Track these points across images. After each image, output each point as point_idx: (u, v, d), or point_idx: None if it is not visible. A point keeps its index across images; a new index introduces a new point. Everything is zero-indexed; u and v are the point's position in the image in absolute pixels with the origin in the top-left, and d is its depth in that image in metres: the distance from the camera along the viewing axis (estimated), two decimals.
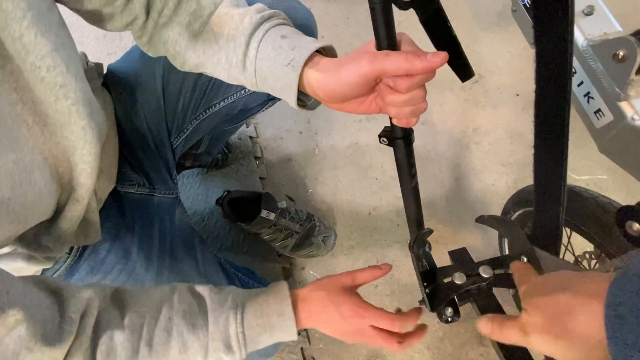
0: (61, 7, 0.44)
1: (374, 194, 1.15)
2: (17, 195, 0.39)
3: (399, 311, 0.55)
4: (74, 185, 0.48)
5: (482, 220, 0.64)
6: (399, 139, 0.47)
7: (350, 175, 1.18)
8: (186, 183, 1.14)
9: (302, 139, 1.23)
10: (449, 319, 0.56)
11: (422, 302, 0.59)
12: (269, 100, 0.76)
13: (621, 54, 0.63)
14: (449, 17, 0.38)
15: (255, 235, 1.05)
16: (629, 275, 0.27)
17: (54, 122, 0.43)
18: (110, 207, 0.63)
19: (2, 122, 0.37)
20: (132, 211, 0.65)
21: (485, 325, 0.42)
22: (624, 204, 0.53)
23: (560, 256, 0.58)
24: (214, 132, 0.94)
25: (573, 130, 0.42)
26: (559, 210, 0.50)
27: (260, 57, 0.45)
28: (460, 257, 0.62)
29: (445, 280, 0.57)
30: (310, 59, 0.44)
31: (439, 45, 0.41)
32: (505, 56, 1.34)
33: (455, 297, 0.57)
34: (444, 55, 0.37)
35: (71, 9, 0.47)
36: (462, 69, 0.42)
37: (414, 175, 0.52)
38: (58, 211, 0.49)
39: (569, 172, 0.46)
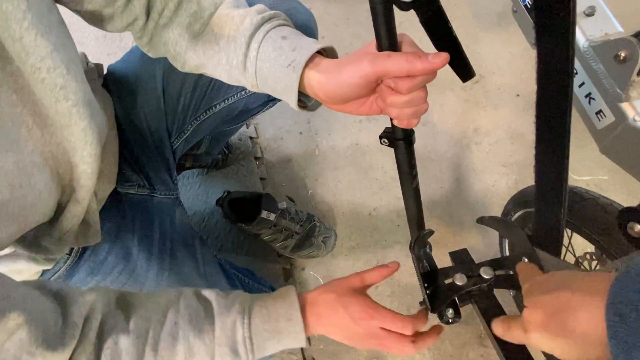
0: (61, 8, 0.44)
1: (374, 195, 1.15)
2: (17, 197, 0.39)
3: None
4: (75, 186, 0.48)
5: (483, 221, 0.64)
6: (399, 140, 0.47)
7: (351, 175, 1.18)
8: (186, 184, 1.14)
9: (303, 139, 1.23)
10: (450, 320, 0.56)
11: (422, 303, 0.59)
12: (270, 101, 0.76)
13: (622, 54, 0.63)
14: (449, 18, 0.38)
15: (255, 235, 1.05)
16: (631, 275, 0.27)
17: (54, 123, 0.43)
18: (110, 208, 0.63)
19: (2, 123, 0.37)
20: (132, 212, 0.65)
21: (497, 327, 0.43)
22: (624, 204, 0.53)
23: (561, 257, 0.58)
24: (214, 133, 0.94)
25: (574, 131, 0.42)
26: (560, 211, 0.50)
27: (261, 58, 0.45)
28: (461, 258, 0.62)
29: (446, 281, 0.57)
30: (311, 60, 0.44)
31: (439, 46, 0.41)
32: (506, 56, 1.34)
33: (456, 298, 0.57)
34: (445, 56, 0.37)
35: (71, 9, 0.47)
36: (463, 69, 0.42)
37: (414, 176, 0.52)
38: (58, 212, 0.49)
39: (569, 173, 0.46)
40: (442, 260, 0.61)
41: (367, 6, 0.36)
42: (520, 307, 0.95)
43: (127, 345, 0.42)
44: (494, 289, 0.59)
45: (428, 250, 0.63)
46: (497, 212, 1.05)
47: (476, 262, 0.60)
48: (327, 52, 0.46)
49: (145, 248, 0.63)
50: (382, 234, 1.11)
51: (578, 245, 0.75)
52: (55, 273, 0.58)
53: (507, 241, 0.93)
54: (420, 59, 0.37)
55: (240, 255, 1.07)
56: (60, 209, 0.49)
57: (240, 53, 0.46)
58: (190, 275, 0.67)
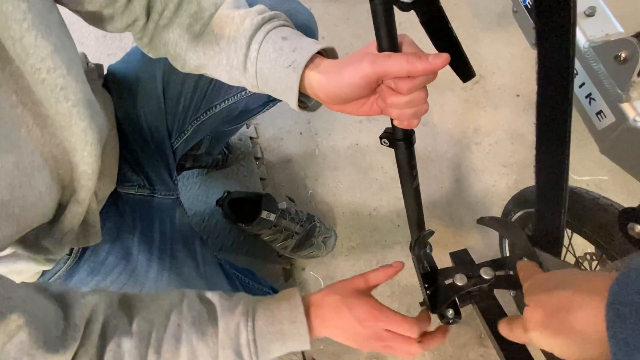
0: (61, 8, 0.44)
1: (374, 195, 1.15)
2: (17, 198, 0.39)
3: None
4: (75, 186, 0.48)
5: (483, 221, 0.64)
6: (400, 140, 0.47)
7: (351, 176, 1.18)
8: (186, 184, 1.14)
9: (303, 139, 1.23)
10: (450, 321, 0.56)
11: (423, 303, 0.59)
12: (270, 101, 0.76)
13: (623, 55, 0.63)
14: (449, 18, 0.38)
15: (255, 236, 1.05)
16: (631, 276, 0.27)
17: (55, 124, 0.43)
18: (111, 208, 0.63)
19: (2, 124, 0.37)
20: (133, 212, 0.65)
21: (502, 328, 0.43)
22: (624, 205, 0.53)
23: (561, 257, 0.58)
24: (214, 133, 0.94)
25: (574, 131, 0.42)
26: (560, 212, 0.50)
27: (261, 58, 0.45)
28: (461, 258, 0.62)
29: (446, 282, 0.57)
30: (311, 60, 0.44)
31: (439, 46, 0.41)
32: (506, 57, 1.34)
33: (457, 299, 0.57)
34: (445, 57, 0.37)
35: (71, 10, 0.47)
36: (463, 69, 0.42)
37: (415, 177, 0.51)
38: (59, 213, 0.49)
39: (569, 173, 0.46)
40: (443, 260, 0.61)
41: (367, 6, 0.36)
42: (520, 307, 0.95)
43: (130, 348, 0.42)
44: (494, 290, 0.59)
45: (428, 251, 0.63)
46: (497, 212, 1.05)
47: (476, 262, 0.60)
48: (328, 53, 0.46)
49: (146, 248, 0.63)
50: (382, 234, 1.11)
51: (578, 245, 0.75)
52: (56, 273, 0.58)
53: (507, 241, 0.93)
54: (420, 60, 0.37)
55: (240, 256, 1.07)
56: (60, 210, 0.49)
57: (240, 54, 0.46)
58: (190, 275, 0.67)
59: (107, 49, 1.34)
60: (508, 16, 1.03)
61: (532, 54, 0.38)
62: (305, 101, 0.49)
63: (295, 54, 0.44)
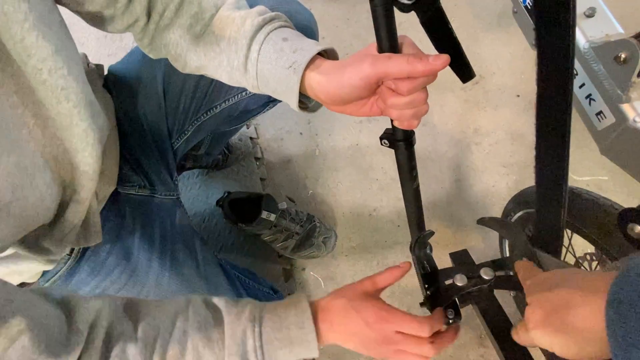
0: (61, 8, 0.44)
1: (374, 195, 1.15)
2: (18, 198, 0.39)
3: None
4: (76, 187, 0.48)
5: (483, 222, 0.64)
6: (400, 141, 0.47)
7: (351, 176, 1.18)
8: (187, 184, 1.14)
9: (303, 140, 1.23)
10: (450, 321, 0.56)
11: (423, 304, 0.59)
12: (270, 101, 0.76)
13: (623, 56, 0.63)
14: (449, 18, 0.39)
15: (255, 236, 1.05)
16: (631, 275, 0.27)
17: (56, 124, 0.43)
18: (111, 209, 0.63)
19: (2, 124, 0.37)
20: (133, 212, 0.65)
21: (513, 334, 0.42)
22: (624, 205, 0.53)
23: (561, 258, 0.58)
24: (214, 133, 0.94)
25: (574, 131, 0.42)
26: (560, 212, 0.50)
27: (262, 59, 0.45)
28: (461, 258, 0.62)
29: (447, 282, 0.57)
30: (311, 61, 0.44)
31: (439, 47, 0.41)
32: (506, 57, 1.34)
33: (456, 299, 0.57)
34: (445, 58, 0.37)
35: (72, 10, 0.47)
36: (463, 70, 0.42)
37: (415, 177, 0.52)
38: (59, 213, 0.49)
39: (569, 173, 0.46)
40: (443, 260, 0.61)
41: (368, 7, 0.36)
42: (520, 307, 0.95)
43: (135, 354, 0.41)
44: (494, 290, 0.59)
45: (428, 251, 0.63)
46: (498, 212, 1.05)
47: (476, 262, 0.60)
48: (328, 54, 0.46)
49: (146, 248, 0.63)
50: (383, 235, 1.11)
51: (578, 245, 0.75)
52: (56, 273, 0.58)
53: (507, 242, 0.93)
54: (420, 61, 0.37)
55: (241, 256, 1.07)
56: (61, 210, 0.49)
57: (241, 55, 0.46)
58: (190, 275, 0.67)
59: (108, 49, 1.34)
60: (508, 16, 1.03)
61: (532, 55, 0.39)
62: (305, 102, 0.49)
63: (296, 55, 0.44)
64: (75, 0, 0.44)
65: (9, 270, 0.51)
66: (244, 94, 0.70)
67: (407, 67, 0.37)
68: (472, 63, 0.42)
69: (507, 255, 0.93)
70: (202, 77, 0.65)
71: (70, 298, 0.42)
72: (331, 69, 0.43)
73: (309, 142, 1.22)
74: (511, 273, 0.56)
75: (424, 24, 0.39)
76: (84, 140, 0.45)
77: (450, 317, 0.56)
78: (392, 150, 0.48)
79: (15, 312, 0.34)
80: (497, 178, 1.17)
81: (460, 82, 0.43)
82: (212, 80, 0.67)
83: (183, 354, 0.43)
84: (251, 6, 0.50)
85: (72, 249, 0.58)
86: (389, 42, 0.39)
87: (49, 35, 0.38)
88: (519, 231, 0.59)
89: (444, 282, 0.57)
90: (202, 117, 0.71)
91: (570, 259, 0.78)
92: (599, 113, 0.71)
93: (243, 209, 1.01)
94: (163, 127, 0.69)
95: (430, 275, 0.59)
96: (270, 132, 1.24)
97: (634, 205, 0.43)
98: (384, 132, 0.48)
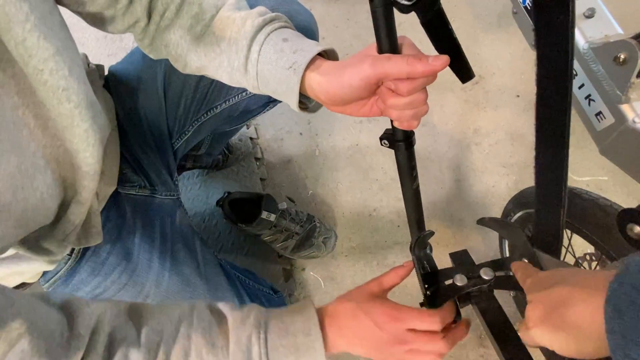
0: (61, 9, 0.45)
1: (374, 195, 1.16)
2: (19, 199, 0.39)
3: None
4: (77, 187, 0.48)
5: (483, 222, 0.64)
6: (400, 141, 0.47)
7: (351, 176, 1.18)
8: (187, 184, 1.14)
9: (303, 140, 1.23)
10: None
11: (423, 304, 0.59)
12: (270, 102, 0.76)
13: (622, 56, 0.64)
14: (449, 19, 0.39)
15: (255, 236, 1.05)
16: (630, 272, 0.28)
17: (57, 125, 0.43)
18: (111, 209, 0.63)
19: (3, 125, 0.37)
20: (133, 213, 0.65)
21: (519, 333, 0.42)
22: (624, 205, 0.53)
23: (561, 258, 0.58)
24: (214, 134, 0.94)
25: (574, 132, 0.42)
26: (559, 212, 0.50)
27: (262, 60, 0.46)
28: (461, 259, 0.62)
29: (446, 282, 0.57)
30: (312, 62, 0.44)
31: (439, 47, 0.41)
32: (506, 57, 1.35)
33: (456, 299, 0.57)
34: (445, 58, 0.37)
35: (73, 11, 0.47)
36: (463, 70, 0.42)
37: (415, 178, 0.52)
38: (60, 214, 0.49)
39: (569, 174, 0.46)
40: (442, 261, 0.61)
41: (368, 7, 0.36)
42: (520, 307, 0.95)
43: (137, 359, 0.41)
44: (494, 290, 0.59)
45: (428, 251, 0.63)
46: (497, 212, 1.05)
47: (476, 263, 0.60)
48: (328, 54, 0.47)
49: (146, 249, 0.63)
50: (383, 235, 1.11)
51: (578, 246, 0.75)
52: (57, 274, 0.58)
53: (507, 242, 0.93)
54: (420, 62, 0.37)
55: (241, 256, 1.07)
56: (62, 211, 0.49)
57: (241, 55, 0.46)
58: (191, 275, 0.67)
59: (108, 49, 1.34)
60: (508, 17, 1.03)
61: (532, 55, 0.39)
62: (305, 102, 0.49)
63: (296, 55, 0.44)
64: (76, 1, 0.45)
65: (10, 271, 0.51)
66: (244, 94, 0.70)
67: (407, 68, 0.37)
68: (472, 63, 0.42)
69: (507, 255, 0.93)
70: (202, 77, 0.66)
71: (72, 302, 0.41)
72: (331, 69, 0.43)
73: (309, 142, 1.23)
74: (511, 273, 0.56)
75: (424, 24, 0.39)
76: (85, 140, 0.45)
77: None
78: (392, 151, 0.49)
79: (16, 316, 0.33)
80: (497, 178, 1.17)
81: (460, 82, 0.43)
82: (213, 80, 0.67)
83: None
84: (251, 7, 0.50)
85: (73, 249, 0.58)
86: (388, 42, 0.39)
87: (50, 36, 0.38)
88: (518, 231, 0.59)
89: (443, 282, 0.57)
90: (203, 118, 0.71)
91: (570, 259, 0.78)
92: (599, 113, 0.71)
93: (243, 209, 1.02)
94: (163, 127, 0.69)
95: (430, 276, 0.59)
96: (270, 132, 1.24)
97: (634, 206, 0.43)
98: (384, 133, 0.48)
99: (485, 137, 1.23)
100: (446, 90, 1.29)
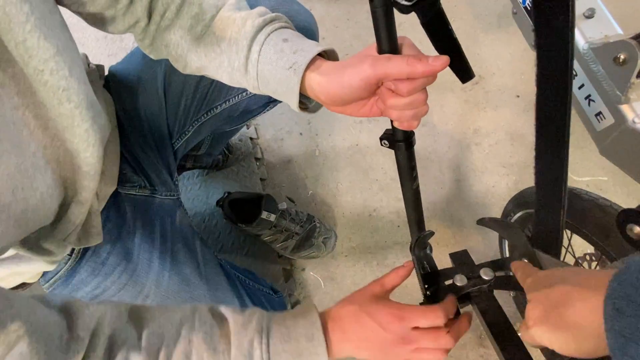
0: (62, 9, 0.45)
1: (374, 196, 1.16)
2: (19, 200, 0.39)
3: None
4: (78, 188, 0.48)
5: (483, 222, 0.64)
6: (400, 141, 0.47)
7: (351, 176, 1.18)
8: (187, 184, 1.14)
9: (303, 140, 1.23)
10: None
11: (423, 304, 0.59)
12: (270, 102, 0.76)
13: (622, 57, 0.64)
14: (449, 19, 0.39)
15: (255, 236, 1.05)
16: (630, 271, 0.28)
17: (57, 125, 0.43)
18: (112, 209, 0.63)
19: (3, 126, 0.37)
20: (133, 213, 0.65)
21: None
22: (624, 205, 0.53)
23: (561, 258, 0.59)
24: (215, 134, 0.94)
25: (573, 132, 0.42)
26: (559, 212, 0.50)
27: (262, 60, 0.46)
28: (461, 259, 0.62)
29: (446, 283, 0.57)
30: (312, 62, 0.44)
31: (439, 47, 0.41)
32: (506, 57, 1.35)
33: (456, 299, 0.57)
34: (445, 59, 0.37)
35: (73, 11, 0.47)
36: (463, 70, 0.42)
37: (415, 178, 0.52)
38: (61, 214, 0.49)
39: (569, 174, 0.46)
40: (442, 261, 0.61)
41: (367, 7, 0.37)
42: (520, 307, 0.95)
43: None
44: (494, 290, 0.59)
45: (428, 252, 0.63)
46: (497, 213, 1.05)
47: (476, 263, 0.60)
48: (328, 55, 0.47)
49: (146, 249, 0.63)
50: (383, 235, 1.11)
51: (578, 246, 0.75)
52: (57, 274, 0.58)
53: (507, 242, 0.93)
54: (420, 62, 0.37)
55: (241, 256, 1.07)
56: (63, 211, 0.49)
57: (241, 55, 0.46)
58: (191, 275, 0.67)
59: (108, 49, 1.34)
60: (508, 17, 1.03)
61: (532, 55, 0.39)
62: (305, 102, 0.49)
63: (296, 56, 0.44)
64: (76, 1, 0.45)
65: (10, 271, 0.51)
66: (244, 94, 0.70)
67: (407, 68, 0.37)
68: (472, 63, 0.42)
69: (507, 255, 0.93)
70: (202, 77, 0.66)
71: (71, 304, 0.41)
72: (331, 69, 0.43)
73: (309, 142, 1.23)
74: (511, 273, 0.56)
75: (424, 24, 0.39)
76: (86, 140, 0.45)
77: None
78: (392, 151, 0.49)
79: (14, 318, 0.33)
80: (497, 178, 1.17)
81: (460, 82, 0.43)
82: (213, 80, 0.67)
83: None
84: (252, 7, 0.50)
85: (73, 249, 0.58)
86: (388, 43, 0.39)
87: (50, 37, 0.38)
88: (518, 232, 0.59)
89: (443, 282, 0.58)
90: (203, 118, 0.71)
91: (570, 260, 0.78)
92: (598, 114, 0.71)
93: (243, 209, 1.02)
94: (163, 127, 0.69)
95: (430, 276, 0.59)
96: (270, 132, 1.24)
97: (634, 206, 0.43)
98: (384, 133, 0.48)
99: (485, 137, 1.23)
100: (446, 90, 1.29)
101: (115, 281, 0.61)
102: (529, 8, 0.82)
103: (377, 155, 1.20)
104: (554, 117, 0.41)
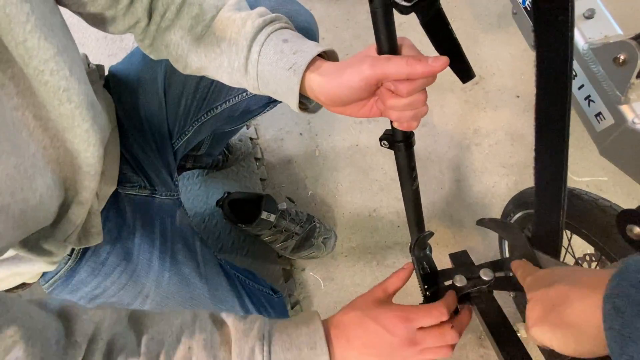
0: (62, 9, 0.45)
1: (374, 196, 1.16)
2: (18, 201, 0.39)
3: None
4: (78, 188, 0.48)
5: (483, 223, 0.64)
6: (399, 142, 0.47)
7: (351, 176, 1.18)
8: (187, 184, 1.14)
9: (303, 140, 1.23)
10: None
11: (422, 304, 0.59)
12: (270, 102, 0.76)
13: (622, 57, 0.64)
14: (449, 19, 0.39)
15: (255, 236, 1.05)
16: (629, 270, 0.28)
17: (57, 126, 0.43)
18: (111, 209, 0.63)
19: (3, 126, 0.37)
20: (133, 213, 0.65)
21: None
22: (624, 205, 0.53)
23: (561, 258, 0.59)
24: (215, 134, 0.94)
25: (573, 132, 0.42)
26: (559, 213, 0.50)
27: (262, 61, 0.46)
28: (461, 259, 0.62)
29: (446, 283, 0.57)
30: (312, 62, 0.44)
31: (439, 48, 0.41)
32: (506, 58, 1.35)
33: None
34: (445, 60, 0.37)
35: (73, 11, 0.47)
36: (463, 70, 0.42)
37: (414, 178, 0.52)
38: (61, 214, 0.48)
39: (569, 174, 0.46)
40: (442, 261, 0.61)
41: (368, 7, 0.37)
42: (520, 308, 0.95)
43: None
44: (494, 291, 0.59)
45: (428, 252, 0.63)
46: (497, 213, 1.05)
47: (476, 263, 0.60)
48: (328, 55, 0.47)
49: (146, 249, 0.63)
50: (382, 235, 1.11)
51: (578, 246, 0.75)
52: (56, 274, 0.58)
53: (506, 243, 0.93)
54: (420, 62, 0.37)
55: (240, 256, 1.07)
56: (63, 211, 0.48)
57: (241, 56, 0.46)
58: (191, 275, 0.67)
59: (108, 49, 1.34)
60: (508, 17, 1.03)
61: (532, 55, 0.39)
62: (305, 103, 0.49)
63: (296, 56, 0.44)
64: (76, 2, 0.45)
65: (9, 272, 0.50)
66: (244, 94, 0.70)
67: (407, 69, 0.37)
68: (472, 64, 0.42)
69: (507, 256, 0.93)
70: (202, 77, 0.66)
71: (69, 309, 0.40)
72: (331, 70, 0.43)
73: (309, 142, 1.23)
74: (511, 274, 0.56)
75: (424, 25, 0.39)
76: (86, 141, 0.45)
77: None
78: (392, 151, 0.49)
79: (10, 323, 0.33)
80: (497, 179, 1.17)
81: (460, 82, 0.43)
82: (213, 80, 0.67)
83: None
84: (252, 7, 0.50)
85: (73, 249, 0.58)
86: (388, 43, 0.39)
87: (50, 37, 0.38)
88: (518, 232, 0.59)
89: (443, 282, 0.58)
90: (203, 118, 0.71)
91: (570, 260, 0.78)
92: (598, 114, 0.71)
93: (243, 209, 1.02)
94: (164, 127, 0.69)
95: (429, 276, 0.59)
96: (270, 132, 1.24)
97: (633, 207, 0.43)
98: (384, 133, 0.48)
99: (485, 138, 1.23)
100: (446, 90, 1.29)
101: (115, 281, 0.61)
102: (529, 8, 0.82)
103: (377, 155, 1.20)
104: (553, 117, 0.41)
